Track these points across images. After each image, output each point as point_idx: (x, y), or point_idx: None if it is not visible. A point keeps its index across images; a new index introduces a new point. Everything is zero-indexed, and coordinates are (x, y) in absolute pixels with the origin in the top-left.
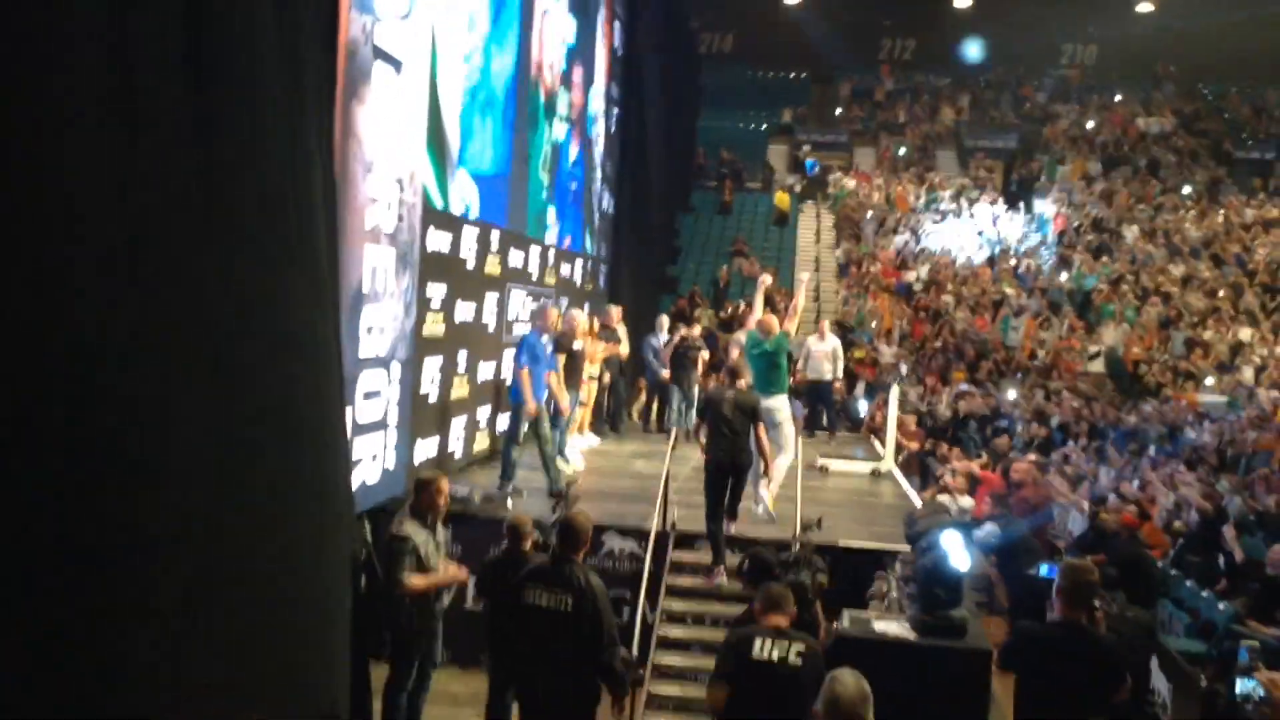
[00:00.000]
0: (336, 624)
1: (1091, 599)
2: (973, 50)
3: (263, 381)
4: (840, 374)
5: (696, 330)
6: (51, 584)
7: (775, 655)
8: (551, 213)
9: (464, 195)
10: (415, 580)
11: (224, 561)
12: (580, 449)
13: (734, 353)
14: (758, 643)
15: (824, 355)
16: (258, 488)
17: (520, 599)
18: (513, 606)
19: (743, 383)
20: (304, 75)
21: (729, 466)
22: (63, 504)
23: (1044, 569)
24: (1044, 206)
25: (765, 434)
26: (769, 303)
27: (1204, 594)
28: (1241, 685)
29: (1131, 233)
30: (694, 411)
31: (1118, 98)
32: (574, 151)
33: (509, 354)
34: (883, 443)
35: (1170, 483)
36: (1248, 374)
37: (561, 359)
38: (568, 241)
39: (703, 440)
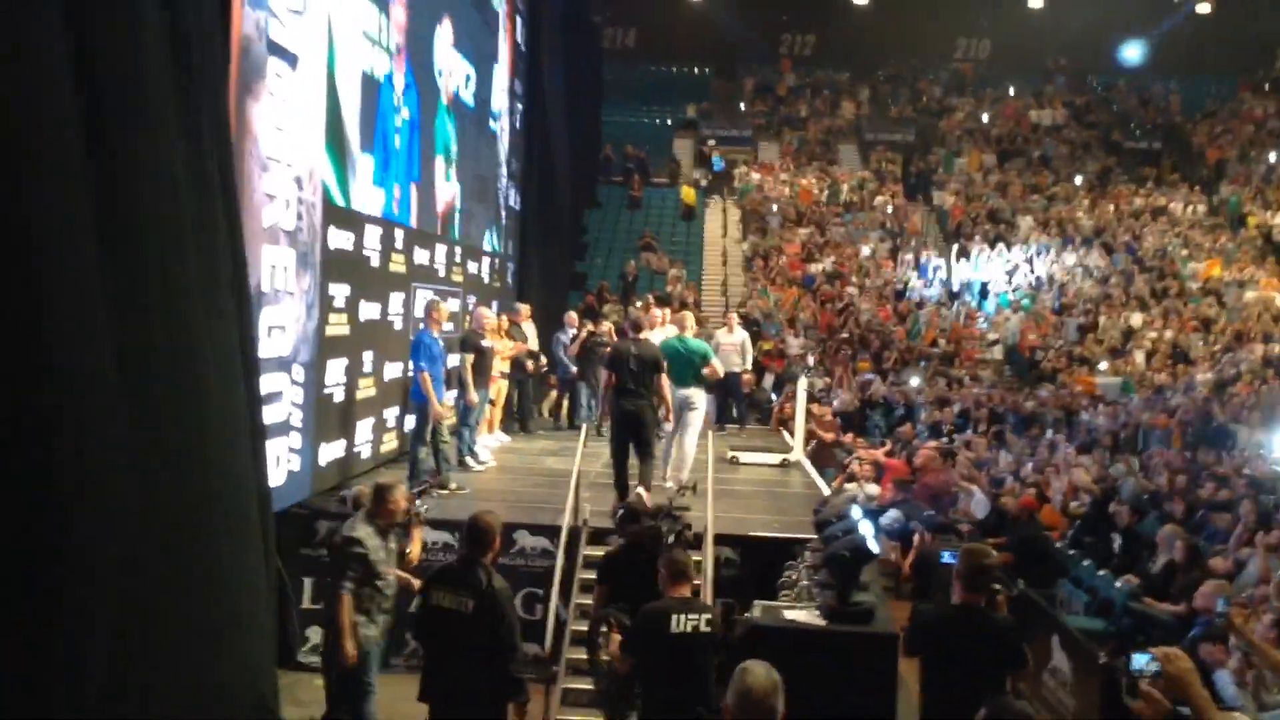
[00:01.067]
0: (257, 627)
1: (990, 582)
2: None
3: (169, 385)
4: (749, 366)
5: (605, 326)
6: None
7: (689, 627)
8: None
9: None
10: (345, 605)
11: (142, 567)
12: (490, 447)
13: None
14: (674, 619)
15: (732, 348)
16: (173, 493)
17: (427, 600)
18: (420, 608)
19: (645, 335)
20: (195, 72)
21: (633, 417)
22: None
23: (945, 555)
24: (943, 198)
25: (666, 385)
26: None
27: (1101, 573)
28: (1137, 660)
29: (1026, 223)
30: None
31: (1011, 91)
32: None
33: None
34: (791, 434)
35: (1065, 466)
36: (1139, 358)
37: (470, 358)
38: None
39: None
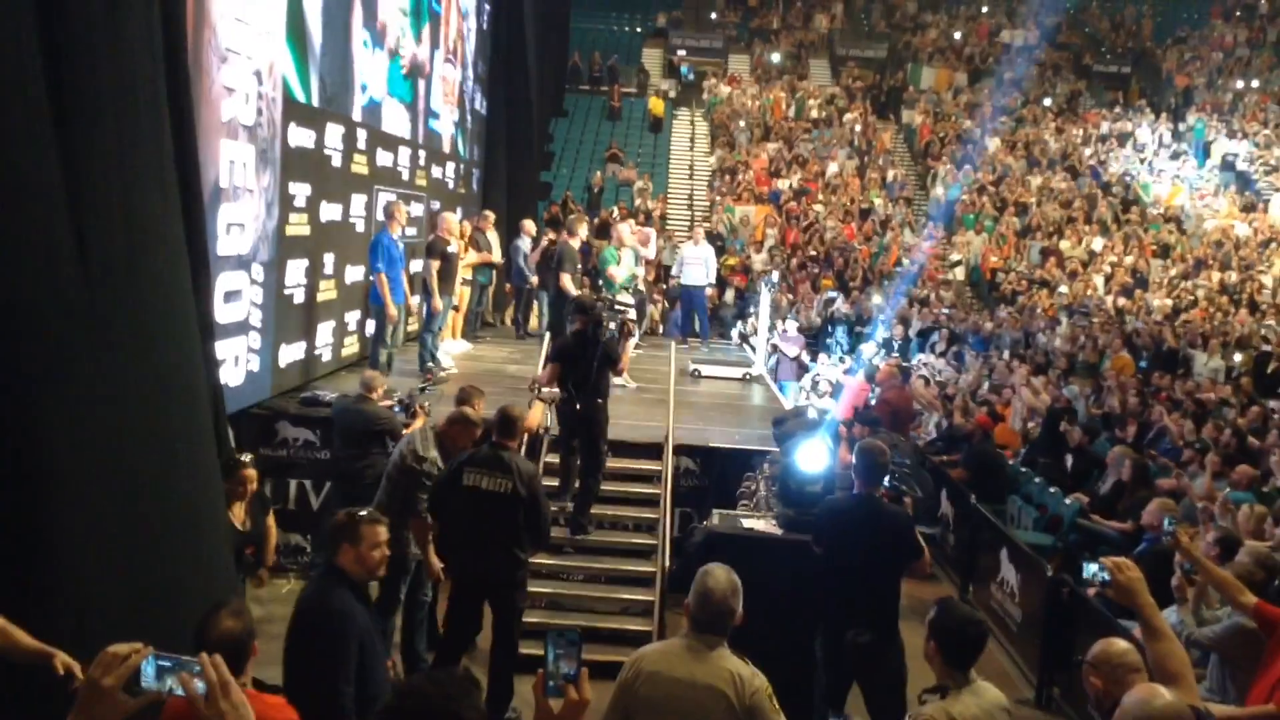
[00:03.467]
0: (215, 527)
1: (884, 475)
2: None
3: (118, 279)
4: (713, 280)
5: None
6: None
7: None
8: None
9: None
10: (426, 527)
11: (96, 464)
12: (452, 353)
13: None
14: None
15: (697, 261)
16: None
17: (459, 481)
18: (451, 487)
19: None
20: None
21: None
22: None
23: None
24: (911, 117)
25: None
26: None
27: (1051, 490)
28: (1087, 569)
29: (993, 144)
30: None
31: (984, 9)
32: None
33: None
34: (753, 348)
35: (1020, 386)
36: (1098, 281)
37: (435, 264)
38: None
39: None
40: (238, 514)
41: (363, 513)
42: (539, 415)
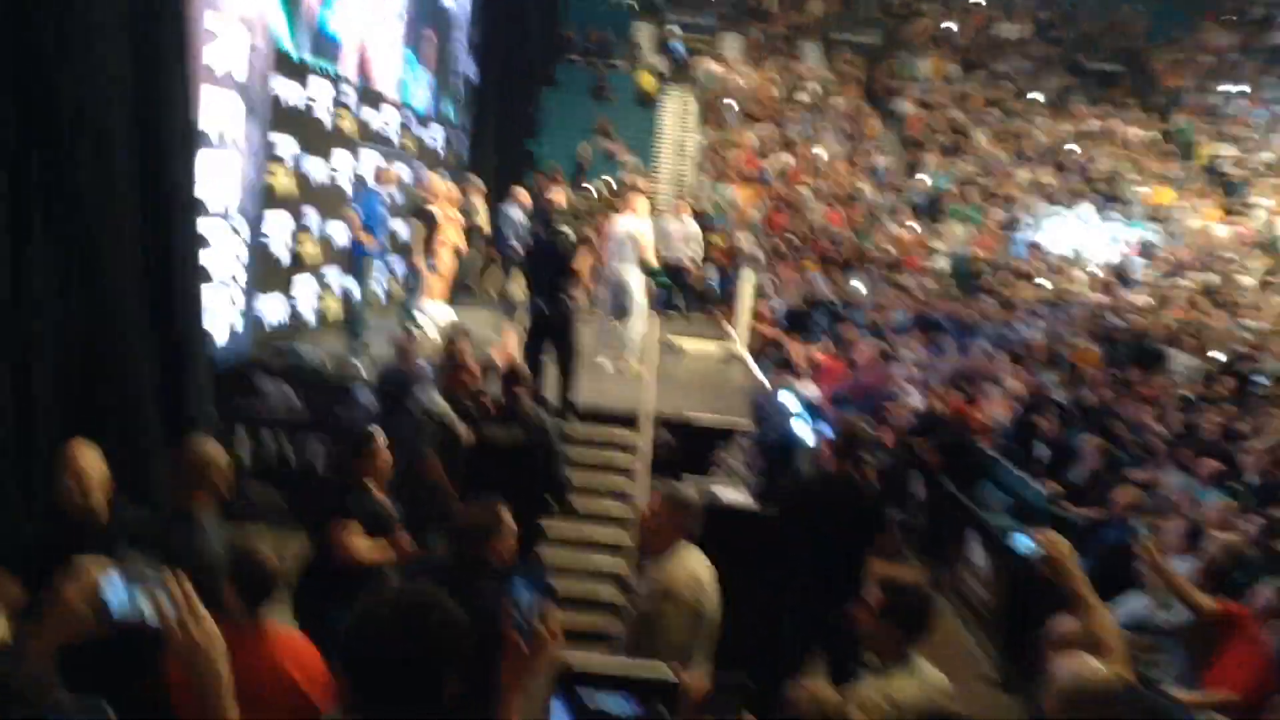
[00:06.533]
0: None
1: (858, 452)
2: None
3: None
4: (697, 256)
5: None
6: None
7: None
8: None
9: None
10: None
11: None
12: (435, 318)
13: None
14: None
15: (681, 237)
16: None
17: (481, 438)
18: (476, 445)
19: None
20: None
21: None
22: None
23: None
24: (902, 105)
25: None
26: None
27: (1021, 476)
28: (1019, 542)
29: (983, 136)
30: None
31: (980, 1)
32: None
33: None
34: (734, 326)
35: (998, 374)
36: (1080, 276)
37: (419, 226)
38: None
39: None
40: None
41: None
42: (513, 339)
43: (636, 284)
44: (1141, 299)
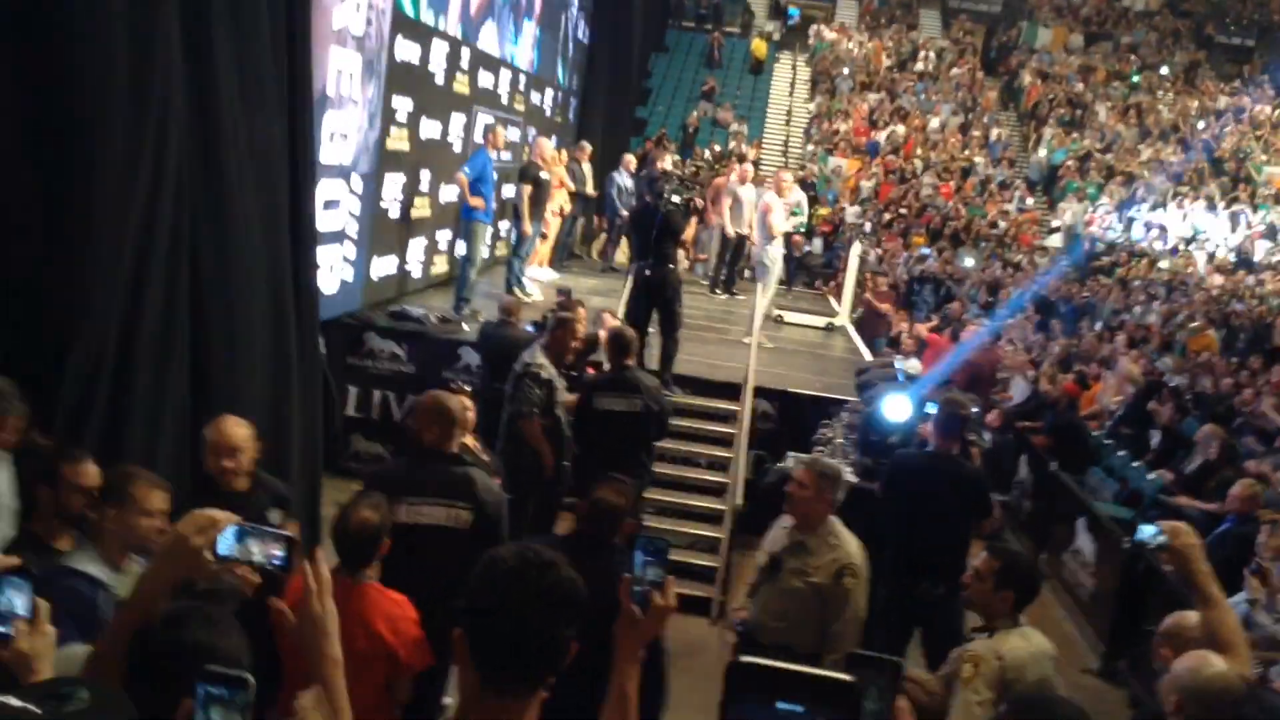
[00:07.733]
0: (296, 424)
1: (962, 432)
2: None
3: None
4: (802, 229)
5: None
6: None
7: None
8: None
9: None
10: (537, 427)
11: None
12: (539, 281)
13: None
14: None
15: (785, 209)
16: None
17: (591, 405)
18: (586, 412)
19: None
20: None
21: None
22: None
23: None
24: (1021, 76)
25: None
26: None
27: (1134, 464)
28: (1142, 531)
29: (1104, 110)
30: None
31: None
32: None
33: None
34: (838, 299)
35: (1112, 357)
36: (1200, 258)
37: (528, 188)
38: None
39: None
40: (471, 446)
41: None
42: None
43: (771, 254)
44: (1266, 284)
